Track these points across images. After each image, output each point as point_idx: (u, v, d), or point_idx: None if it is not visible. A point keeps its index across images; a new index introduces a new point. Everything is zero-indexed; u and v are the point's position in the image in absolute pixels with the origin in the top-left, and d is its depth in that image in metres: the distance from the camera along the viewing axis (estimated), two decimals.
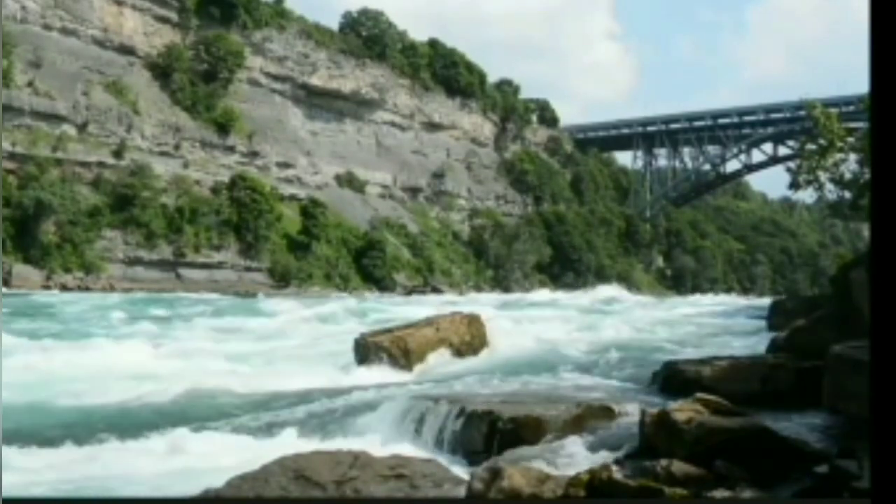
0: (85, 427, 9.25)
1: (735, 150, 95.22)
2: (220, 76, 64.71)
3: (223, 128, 63.98)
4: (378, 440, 8.45)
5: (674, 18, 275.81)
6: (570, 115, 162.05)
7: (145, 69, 61.72)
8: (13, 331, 17.33)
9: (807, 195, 15.36)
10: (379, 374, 13.08)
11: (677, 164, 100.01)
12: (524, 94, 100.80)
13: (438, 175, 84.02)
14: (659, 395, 9.88)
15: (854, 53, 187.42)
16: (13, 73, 49.89)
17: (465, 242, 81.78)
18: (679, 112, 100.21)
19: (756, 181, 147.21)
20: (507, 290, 67.48)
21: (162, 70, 62.22)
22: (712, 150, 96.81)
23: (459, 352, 14.32)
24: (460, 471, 6.90)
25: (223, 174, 61.27)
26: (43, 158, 49.43)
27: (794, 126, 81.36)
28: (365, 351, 13.64)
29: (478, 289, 70.80)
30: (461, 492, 6.10)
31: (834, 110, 15.33)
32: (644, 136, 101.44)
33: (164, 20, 63.95)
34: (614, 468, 6.09)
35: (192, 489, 7.00)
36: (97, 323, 22.61)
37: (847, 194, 13.72)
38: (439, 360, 13.82)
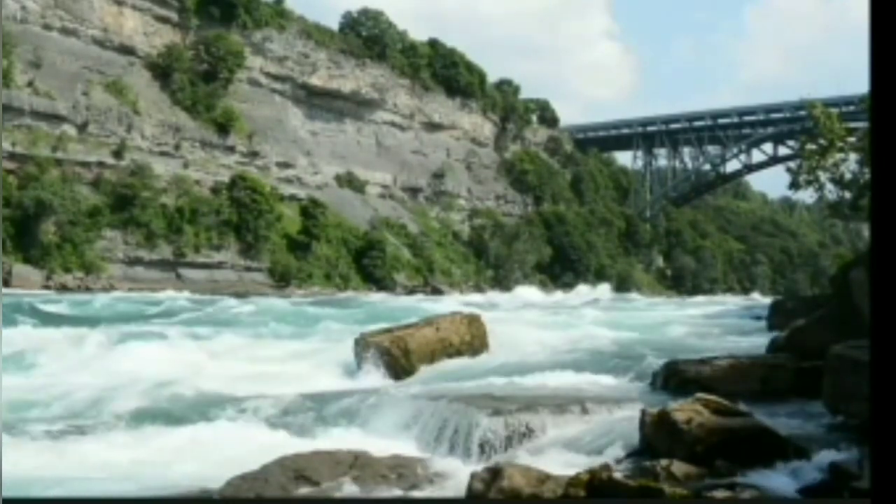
0: None
1: (735, 150, 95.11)
2: (220, 76, 64.62)
3: (223, 128, 63.90)
4: (378, 440, 8.45)
5: (673, 18, 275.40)
6: (570, 115, 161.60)
7: (145, 69, 61.63)
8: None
9: (807, 195, 15.38)
10: (379, 374, 13.08)
11: (677, 164, 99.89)
12: (524, 94, 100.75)
13: (438, 175, 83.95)
14: (659, 395, 9.88)
15: (852, 53, 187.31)
16: (13, 73, 49.81)
17: (465, 242, 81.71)
18: (679, 112, 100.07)
19: (756, 181, 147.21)
20: (507, 289, 67.46)
21: (162, 70, 62.14)
22: (712, 150, 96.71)
23: (460, 352, 14.32)
24: (460, 470, 6.90)
25: (223, 174, 61.18)
26: (43, 158, 49.33)
27: (794, 126, 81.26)
28: (365, 351, 13.64)
29: (478, 289, 70.77)
30: (461, 492, 6.10)
31: (834, 110, 15.33)
32: (644, 136, 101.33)
33: (164, 20, 63.87)
34: (614, 468, 6.10)
35: (191, 486, 7.02)
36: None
37: (847, 194, 13.73)
38: (439, 360, 13.81)
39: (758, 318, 23.52)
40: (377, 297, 50.14)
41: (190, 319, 23.30)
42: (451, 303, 31.68)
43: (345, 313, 27.17)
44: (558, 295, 61.16)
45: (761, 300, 52.40)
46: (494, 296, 55.98)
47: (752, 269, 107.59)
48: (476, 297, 51.15)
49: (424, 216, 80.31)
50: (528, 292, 60.37)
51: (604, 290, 65.83)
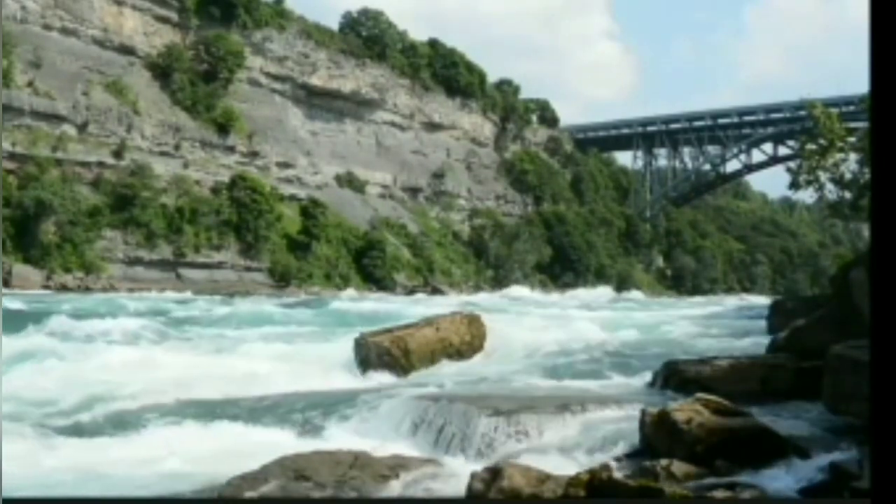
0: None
1: (735, 150, 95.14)
2: (220, 76, 64.63)
3: (223, 128, 63.90)
4: (378, 440, 8.45)
5: (673, 18, 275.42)
6: (570, 115, 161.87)
7: (145, 69, 61.64)
8: None
9: (807, 195, 15.38)
10: (379, 374, 13.08)
11: (677, 164, 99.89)
12: (524, 94, 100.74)
13: (438, 175, 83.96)
14: (659, 395, 9.89)
15: (852, 53, 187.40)
16: (13, 73, 49.81)
17: (465, 242, 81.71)
18: (679, 112, 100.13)
19: (756, 181, 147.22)
20: (504, 289, 67.58)
21: (162, 70, 62.14)
22: (712, 150, 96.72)
23: (460, 352, 14.32)
24: (460, 470, 6.90)
25: (223, 174, 61.20)
26: (43, 158, 49.33)
27: (794, 126, 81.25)
28: (365, 351, 13.64)
29: (478, 289, 70.77)
30: (461, 492, 6.10)
31: (834, 110, 15.31)
32: (644, 136, 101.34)
33: (164, 20, 63.87)
34: (614, 468, 6.10)
35: (190, 488, 7.02)
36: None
37: (847, 194, 13.72)
38: (440, 360, 13.81)
39: (759, 317, 23.50)
40: (373, 297, 49.65)
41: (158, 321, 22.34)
42: (436, 306, 30.10)
43: (315, 317, 26.49)
44: (555, 296, 61.12)
45: (754, 301, 52.51)
46: (487, 297, 54.96)
47: (752, 269, 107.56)
48: (469, 298, 50.57)
49: (424, 216, 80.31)
50: (522, 292, 60.80)
51: (604, 291, 65.93)
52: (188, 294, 43.48)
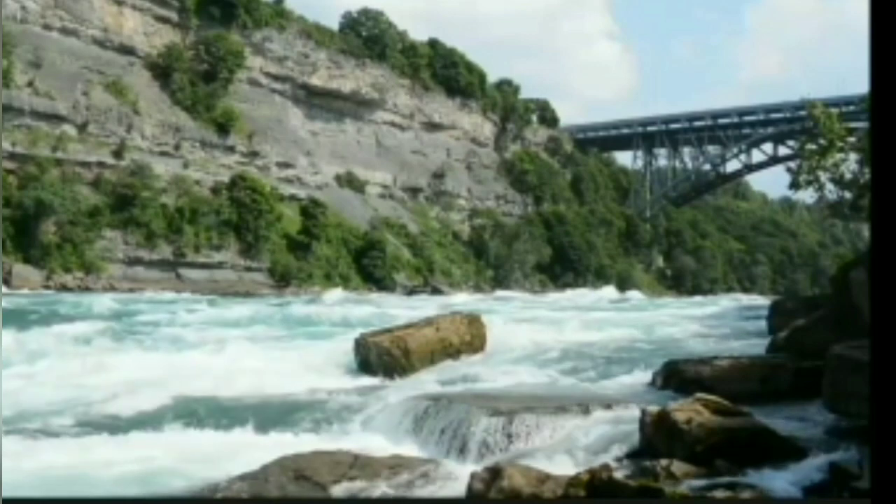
0: None
1: (735, 150, 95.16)
2: (220, 76, 64.60)
3: (223, 128, 63.90)
4: (378, 440, 8.45)
5: (673, 18, 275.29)
6: (570, 115, 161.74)
7: (145, 69, 61.62)
8: None
9: (807, 195, 15.35)
10: (379, 374, 13.07)
11: (677, 164, 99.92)
12: (524, 94, 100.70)
13: (438, 175, 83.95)
14: (659, 394, 9.89)
15: (851, 54, 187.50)
16: (13, 73, 49.79)
17: (465, 242, 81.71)
18: (679, 112, 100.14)
19: (756, 181, 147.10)
20: (507, 290, 67.56)
21: (162, 70, 62.13)
22: (712, 150, 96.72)
23: (460, 352, 14.33)
24: (460, 470, 6.90)
25: (223, 174, 61.16)
26: (43, 158, 49.31)
27: (794, 126, 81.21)
28: (365, 351, 13.64)
29: (478, 289, 70.75)
30: (461, 491, 6.10)
31: (834, 110, 15.29)
32: (644, 136, 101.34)
33: (164, 20, 63.86)
34: (614, 468, 6.10)
35: (188, 488, 7.02)
36: None
37: (847, 194, 13.71)
38: (439, 360, 13.81)
39: (759, 318, 23.48)
40: (354, 300, 46.53)
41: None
42: (420, 309, 26.92)
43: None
44: (554, 296, 60.99)
45: (750, 301, 52.47)
46: (481, 298, 53.25)
47: (752, 269, 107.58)
48: (460, 299, 49.58)
49: (424, 216, 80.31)
50: (518, 294, 60.74)
51: (608, 291, 65.45)
52: (186, 294, 43.30)
